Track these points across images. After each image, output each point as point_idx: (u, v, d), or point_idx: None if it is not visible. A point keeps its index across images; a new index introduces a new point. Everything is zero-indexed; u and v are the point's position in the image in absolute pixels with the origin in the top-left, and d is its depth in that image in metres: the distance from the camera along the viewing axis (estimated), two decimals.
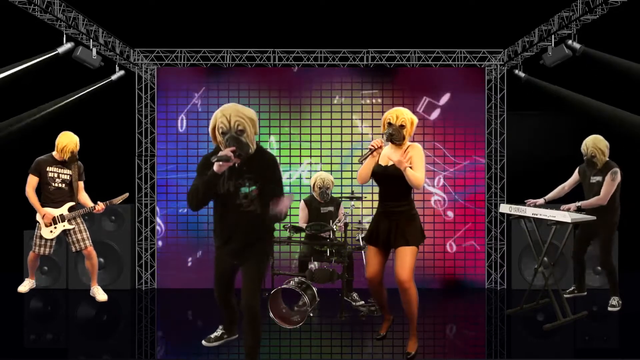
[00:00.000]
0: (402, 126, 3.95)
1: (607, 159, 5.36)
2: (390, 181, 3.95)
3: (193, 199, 3.31)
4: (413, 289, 3.90)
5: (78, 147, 5.24)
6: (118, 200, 5.29)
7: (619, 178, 5.25)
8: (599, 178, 5.34)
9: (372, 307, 5.35)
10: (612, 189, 5.22)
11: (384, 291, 4.21)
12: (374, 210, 4.22)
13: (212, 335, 4.06)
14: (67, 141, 5.15)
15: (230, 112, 3.24)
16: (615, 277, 5.48)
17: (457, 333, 5.30)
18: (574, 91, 6.80)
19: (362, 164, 3.98)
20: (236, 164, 3.28)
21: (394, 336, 4.98)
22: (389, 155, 3.98)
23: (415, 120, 4.03)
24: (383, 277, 4.12)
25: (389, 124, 3.98)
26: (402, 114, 3.97)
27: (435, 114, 7.07)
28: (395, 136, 3.95)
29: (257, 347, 3.51)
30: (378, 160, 4.03)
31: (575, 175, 5.62)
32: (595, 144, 5.35)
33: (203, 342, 4.05)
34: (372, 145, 3.93)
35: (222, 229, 3.47)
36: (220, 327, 4.08)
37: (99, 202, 5.23)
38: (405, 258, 3.89)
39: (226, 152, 3.18)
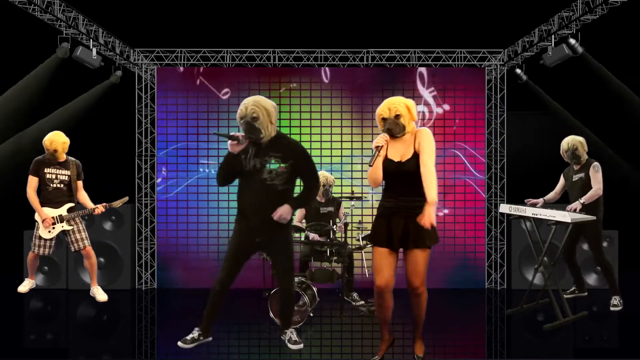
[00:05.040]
0: (397, 116, 3.59)
1: (587, 157, 5.48)
2: (406, 177, 3.58)
3: (218, 174, 3.85)
4: (425, 293, 3.72)
5: (55, 146, 5.09)
6: (117, 203, 5.27)
7: (600, 170, 5.39)
8: (581, 175, 5.45)
9: (372, 307, 5.34)
10: (600, 178, 5.35)
11: (392, 302, 3.76)
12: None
13: (189, 337, 3.95)
14: (45, 139, 5.14)
15: (249, 102, 3.70)
16: (613, 274, 5.49)
17: (457, 333, 5.29)
18: (572, 93, 6.83)
19: (371, 166, 3.58)
20: (263, 145, 3.73)
21: (394, 336, 4.98)
22: (397, 147, 3.64)
23: (411, 103, 3.65)
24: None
25: (383, 119, 3.64)
26: (393, 104, 3.61)
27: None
28: (394, 130, 3.59)
29: (292, 316, 4.19)
30: (387, 155, 3.65)
31: (561, 180, 5.71)
32: (574, 138, 5.49)
33: (179, 343, 3.93)
34: (377, 144, 3.55)
35: (245, 203, 3.81)
36: (197, 328, 3.99)
37: (98, 205, 5.21)
38: (420, 262, 3.60)
39: (236, 134, 3.69)
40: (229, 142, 3.68)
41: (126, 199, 5.34)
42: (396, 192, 3.64)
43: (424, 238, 3.58)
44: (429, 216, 3.46)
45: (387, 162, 3.64)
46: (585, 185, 5.36)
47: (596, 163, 5.40)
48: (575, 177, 5.49)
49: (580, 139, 5.50)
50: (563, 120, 7.22)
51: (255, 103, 3.68)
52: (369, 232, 3.91)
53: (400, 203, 3.62)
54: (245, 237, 3.86)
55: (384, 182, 3.72)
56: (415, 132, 3.64)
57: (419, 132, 3.63)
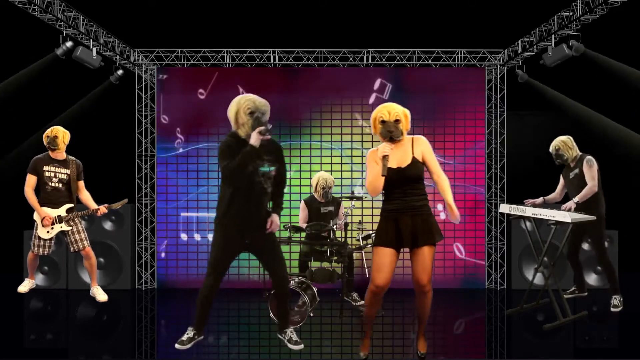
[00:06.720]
0: (397, 121, 3.67)
1: (579, 153, 5.46)
2: (408, 182, 3.68)
3: (237, 172, 3.61)
4: (431, 291, 3.77)
5: (55, 132, 5.11)
6: (118, 205, 5.26)
7: (595, 164, 5.33)
8: (576, 171, 5.43)
9: None
10: (594, 173, 5.29)
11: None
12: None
13: (185, 338, 3.99)
14: (45, 132, 5.17)
15: (254, 98, 3.74)
16: (614, 273, 5.48)
17: (457, 333, 5.29)
18: (572, 93, 6.81)
19: (384, 175, 3.61)
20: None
21: (394, 336, 4.99)
22: (393, 154, 3.67)
23: (408, 112, 3.76)
24: None
25: (383, 121, 3.69)
26: (393, 109, 3.70)
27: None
28: (394, 133, 3.66)
29: (289, 313, 4.20)
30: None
31: (561, 181, 5.70)
32: (557, 139, 5.50)
33: (176, 345, 3.98)
34: (384, 153, 3.61)
35: (238, 206, 3.74)
36: (191, 328, 4.03)
37: (100, 207, 5.19)
38: (428, 259, 3.68)
39: (266, 126, 3.65)
40: (259, 136, 3.62)
41: (125, 200, 5.32)
42: (400, 194, 3.70)
43: (433, 234, 3.69)
44: (456, 210, 3.67)
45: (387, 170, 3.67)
46: (582, 181, 5.32)
47: (589, 157, 5.34)
48: (571, 175, 5.47)
49: (563, 138, 5.48)
50: (565, 119, 7.19)
51: (262, 100, 3.74)
52: (370, 232, 3.85)
53: (408, 203, 3.69)
54: (235, 241, 3.85)
55: (383, 190, 3.75)
56: (413, 139, 3.76)
57: (419, 140, 3.77)
